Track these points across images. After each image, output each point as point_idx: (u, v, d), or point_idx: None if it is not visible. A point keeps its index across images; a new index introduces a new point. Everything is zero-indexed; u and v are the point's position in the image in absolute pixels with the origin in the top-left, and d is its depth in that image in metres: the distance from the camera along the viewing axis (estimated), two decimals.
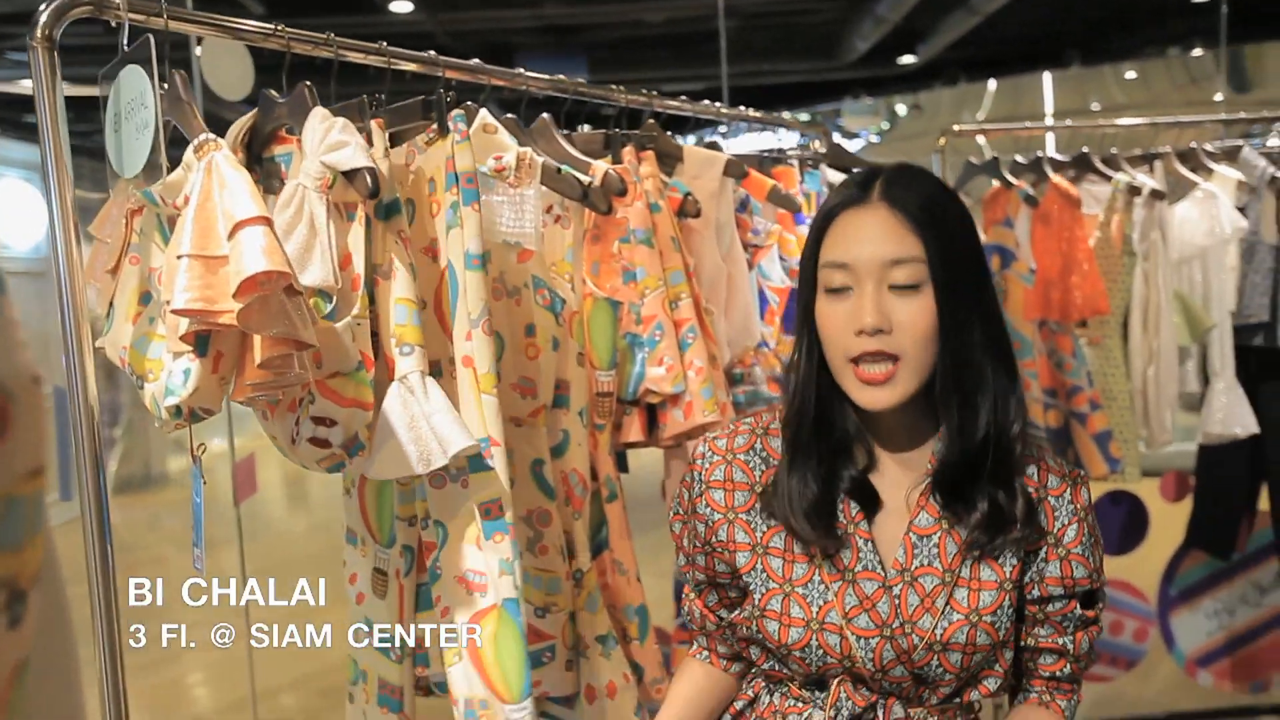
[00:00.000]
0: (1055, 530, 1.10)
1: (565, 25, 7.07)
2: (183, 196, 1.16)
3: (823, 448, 1.08)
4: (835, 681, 1.10)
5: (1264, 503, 2.96)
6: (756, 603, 1.11)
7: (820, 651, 1.08)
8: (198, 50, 2.67)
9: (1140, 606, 3.30)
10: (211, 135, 1.16)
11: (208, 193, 1.10)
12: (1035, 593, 1.11)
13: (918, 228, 1.02)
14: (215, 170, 1.11)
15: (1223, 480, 3.00)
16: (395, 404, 1.18)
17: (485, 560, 1.26)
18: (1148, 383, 2.62)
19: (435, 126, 1.26)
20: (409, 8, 6.04)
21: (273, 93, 1.30)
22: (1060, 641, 1.14)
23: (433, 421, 1.17)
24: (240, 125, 1.31)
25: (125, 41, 1.16)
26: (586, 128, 1.85)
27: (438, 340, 1.27)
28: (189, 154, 1.15)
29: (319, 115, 1.17)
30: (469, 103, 1.46)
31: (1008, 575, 1.08)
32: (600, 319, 1.54)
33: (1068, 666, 1.15)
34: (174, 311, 1.06)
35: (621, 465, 1.75)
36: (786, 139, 3.44)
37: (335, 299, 1.15)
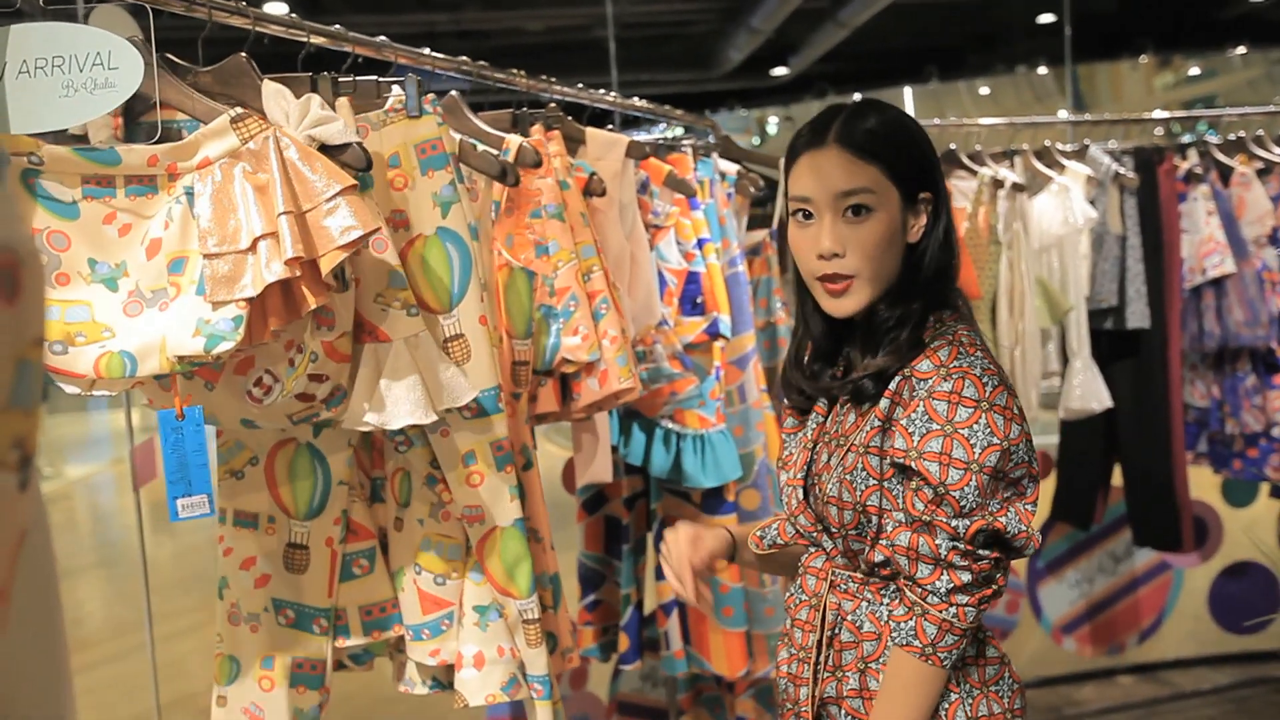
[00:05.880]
0: (907, 408, 1.15)
1: (443, 32, 7.04)
2: (200, 158, 1.21)
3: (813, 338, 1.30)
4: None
5: (1118, 478, 3.20)
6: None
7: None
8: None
9: (1011, 580, 3.50)
10: (253, 110, 1.22)
11: (290, 161, 1.18)
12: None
13: (867, 158, 1.18)
14: (288, 145, 1.19)
15: (1081, 456, 3.23)
16: (405, 359, 1.27)
17: (491, 492, 1.39)
18: (1015, 362, 2.80)
19: (398, 107, 1.33)
20: (284, 9, 5.93)
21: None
22: (894, 531, 1.14)
23: (445, 375, 1.29)
24: None
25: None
26: None
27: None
28: (222, 122, 1.21)
29: (279, 90, 1.22)
30: (386, 79, 1.49)
31: (863, 441, 1.18)
32: (517, 287, 1.57)
33: (900, 560, 1.14)
34: (287, 262, 1.13)
35: None
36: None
37: None
